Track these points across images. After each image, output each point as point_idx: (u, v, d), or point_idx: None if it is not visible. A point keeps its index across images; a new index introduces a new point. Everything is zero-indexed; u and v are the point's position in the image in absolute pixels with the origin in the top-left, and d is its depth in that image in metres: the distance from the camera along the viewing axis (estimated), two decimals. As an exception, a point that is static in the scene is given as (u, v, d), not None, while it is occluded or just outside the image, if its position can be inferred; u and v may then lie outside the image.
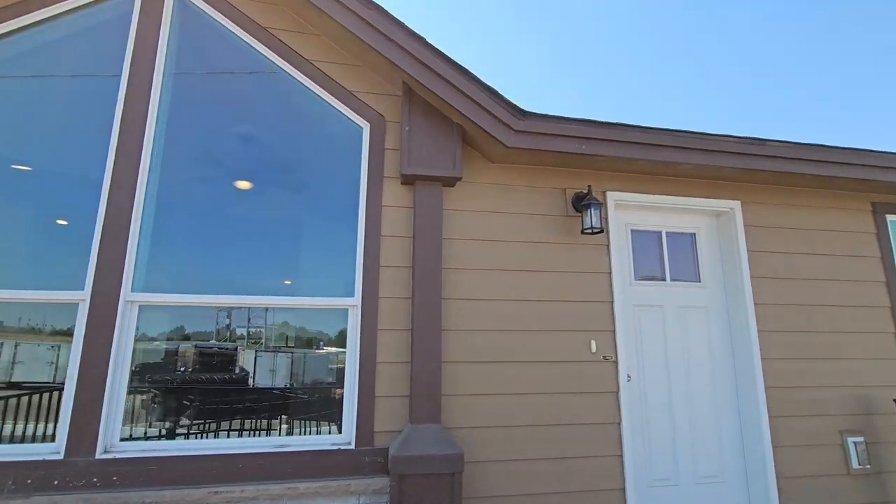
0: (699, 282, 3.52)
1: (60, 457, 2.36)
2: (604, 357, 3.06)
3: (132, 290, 2.61)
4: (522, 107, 2.89)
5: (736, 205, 3.50)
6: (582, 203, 3.08)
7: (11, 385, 2.59)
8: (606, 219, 3.26)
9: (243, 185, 2.94)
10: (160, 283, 2.69)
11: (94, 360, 2.48)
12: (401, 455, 2.52)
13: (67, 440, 2.38)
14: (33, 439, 2.47)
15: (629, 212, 3.47)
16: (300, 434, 2.78)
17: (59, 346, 2.57)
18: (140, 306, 2.63)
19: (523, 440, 2.85)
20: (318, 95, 3.03)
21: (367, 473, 2.61)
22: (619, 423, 2.98)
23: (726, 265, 3.52)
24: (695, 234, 3.60)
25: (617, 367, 3.06)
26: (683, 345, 3.38)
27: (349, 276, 2.87)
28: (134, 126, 2.75)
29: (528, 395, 2.92)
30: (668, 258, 3.51)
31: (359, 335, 2.78)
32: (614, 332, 3.11)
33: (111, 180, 2.67)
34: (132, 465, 2.41)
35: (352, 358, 2.77)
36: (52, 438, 2.42)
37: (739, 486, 3.24)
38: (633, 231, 3.49)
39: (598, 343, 3.07)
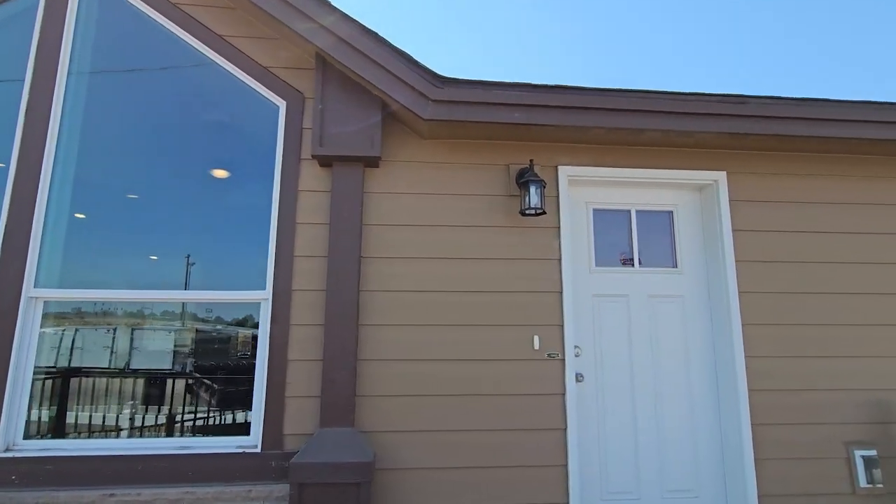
0: (675, 267, 3.05)
1: (-38, 455, 2.35)
2: (548, 355, 2.71)
3: (35, 286, 2.55)
4: (443, 74, 2.54)
5: (720, 176, 2.98)
6: (521, 181, 2.70)
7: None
8: (557, 197, 2.87)
9: (152, 174, 2.80)
10: (66, 279, 2.60)
11: (3, 364, 2.43)
12: (302, 462, 2.32)
13: (-31, 438, 2.36)
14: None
15: (591, 188, 3.04)
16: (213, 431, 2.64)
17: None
18: (44, 302, 2.57)
19: (451, 446, 2.57)
20: (231, 73, 2.81)
21: (272, 479, 2.44)
22: (565, 430, 2.63)
23: (709, 248, 3.02)
24: (672, 211, 3.11)
25: (564, 366, 2.70)
26: (653, 340, 2.94)
27: (263, 267, 2.67)
28: (37, 120, 2.66)
29: (460, 396, 2.62)
30: (637, 241, 3.05)
31: (269, 331, 2.59)
32: (562, 326, 2.73)
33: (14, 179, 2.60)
34: (31, 464, 2.36)
35: (262, 355, 2.58)
36: (-44, 436, 2.40)
37: (718, 501, 2.81)
38: (595, 211, 3.06)
39: (542, 339, 2.71)
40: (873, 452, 2.76)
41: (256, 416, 2.52)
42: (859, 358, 2.85)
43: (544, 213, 2.71)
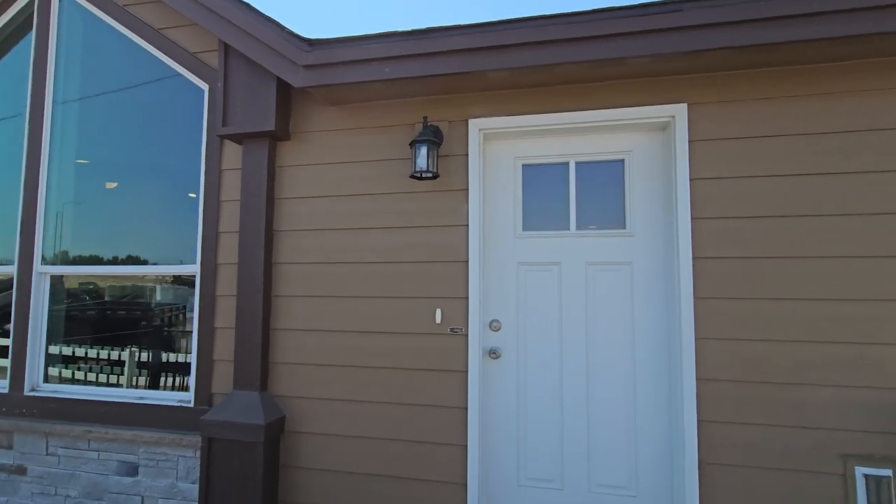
0: (624, 228, 2.52)
1: (6, 391, 3.11)
2: (451, 330, 2.51)
3: (41, 264, 3.17)
4: (312, 36, 2.39)
5: (679, 110, 2.33)
6: (410, 142, 2.46)
7: None
8: (466, 156, 2.56)
9: (83, 161, 3.21)
10: (63, 258, 3.19)
11: (20, 322, 3.13)
12: (208, 419, 2.58)
13: (10, 380, 3.11)
14: (-5, 376, 3.31)
15: (520, 141, 2.64)
16: (164, 386, 3.05)
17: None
18: (49, 276, 3.19)
19: (355, 415, 2.60)
20: (162, 60, 3.03)
21: (200, 430, 2.76)
22: (466, 409, 2.45)
23: (668, 204, 2.43)
24: (623, 160, 2.55)
25: (467, 342, 2.48)
26: (589, 315, 2.52)
27: (194, 243, 2.93)
28: None
29: (364, 368, 2.61)
30: (575, 199, 2.58)
31: (198, 300, 2.86)
32: (467, 299, 2.50)
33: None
34: (45, 402, 3.03)
35: (195, 322, 2.87)
36: (5, 377, 3.18)
37: (661, 501, 2.38)
38: (526, 167, 2.66)
39: (445, 312, 2.52)
40: (887, 472, 2.04)
41: (192, 375, 2.85)
42: (871, 345, 2.08)
43: (436, 176, 2.45)
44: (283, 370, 2.71)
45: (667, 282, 2.43)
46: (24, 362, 3.09)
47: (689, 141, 2.31)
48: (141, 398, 2.91)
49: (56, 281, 3.22)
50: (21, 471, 3.02)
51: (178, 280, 3.16)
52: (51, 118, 3.23)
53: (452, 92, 2.55)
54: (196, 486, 2.73)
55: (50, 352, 3.17)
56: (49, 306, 3.18)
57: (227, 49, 2.75)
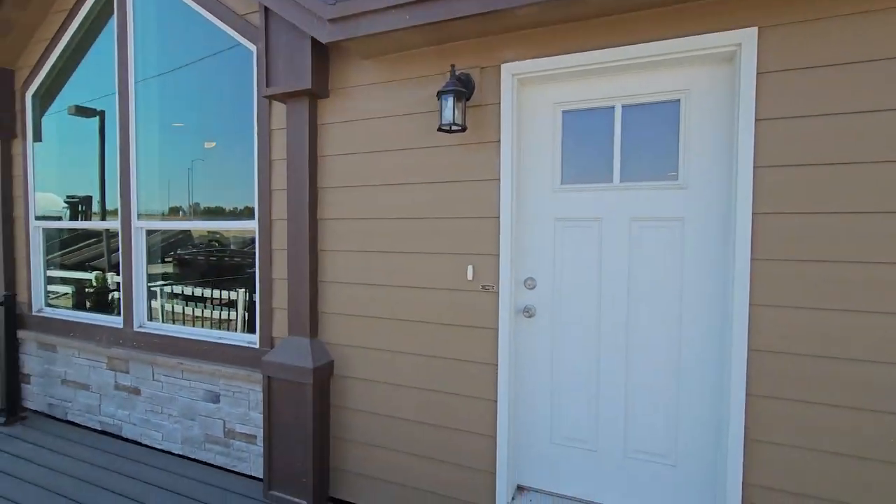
0: (676, 180, 2.24)
1: (121, 327, 3.72)
2: (482, 287, 2.48)
3: (137, 220, 3.64)
4: (336, -15, 2.32)
5: (747, 36, 1.95)
6: (437, 94, 2.35)
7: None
8: (499, 104, 2.40)
9: (167, 129, 3.50)
10: (153, 213, 3.63)
11: (126, 270, 3.66)
12: (267, 360, 2.88)
13: (123, 318, 3.71)
14: (112, 313, 3.93)
15: (556, 85, 2.41)
16: (230, 329, 3.43)
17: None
18: (146, 230, 3.66)
19: (389, 364, 2.73)
20: (218, 26, 3.17)
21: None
22: (496, 366, 2.46)
23: (729, 150, 2.10)
24: (679, 100, 2.22)
25: (498, 300, 2.44)
26: (632, 274, 2.33)
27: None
28: (123, 93, 3.60)
29: (399, 321, 2.70)
30: (620, 147, 2.33)
31: (258, 254, 3.12)
32: (498, 256, 2.43)
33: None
34: (148, 338, 3.58)
35: (257, 273, 3.14)
36: (119, 314, 3.79)
37: (701, 478, 2.23)
38: (567, 113, 2.43)
39: (477, 269, 2.49)
40: None
41: (258, 320, 3.16)
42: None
43: (464, 129, 2.33)
44: (331, 319, 2.90)
45: (722, 240, 2.15)
46: (132, 303, 3.64)
47: (756, 73, 1.94)
48: (220, 338, 3.31)
49: (150, 233, 3.69)
50: (136, 391, 3.65)
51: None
52: (134, 91, 3.59)
53: (481, 35, 2.37)
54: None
55: (151, 291, 3.70)
56: (146, 255, 3.68)
57: (266, 10, 2.79)
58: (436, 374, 2.61)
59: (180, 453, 3.47)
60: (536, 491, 2.55)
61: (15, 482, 3.08)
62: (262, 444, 3.13)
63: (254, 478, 3.17)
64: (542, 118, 2.45)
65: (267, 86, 2.82)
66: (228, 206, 3.35)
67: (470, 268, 2.49)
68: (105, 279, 4.18)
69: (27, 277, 4.25)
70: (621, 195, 2.33)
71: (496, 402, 2.46)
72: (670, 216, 2.24)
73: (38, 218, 4.23)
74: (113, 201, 3.80)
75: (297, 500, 2.82)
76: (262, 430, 3.12)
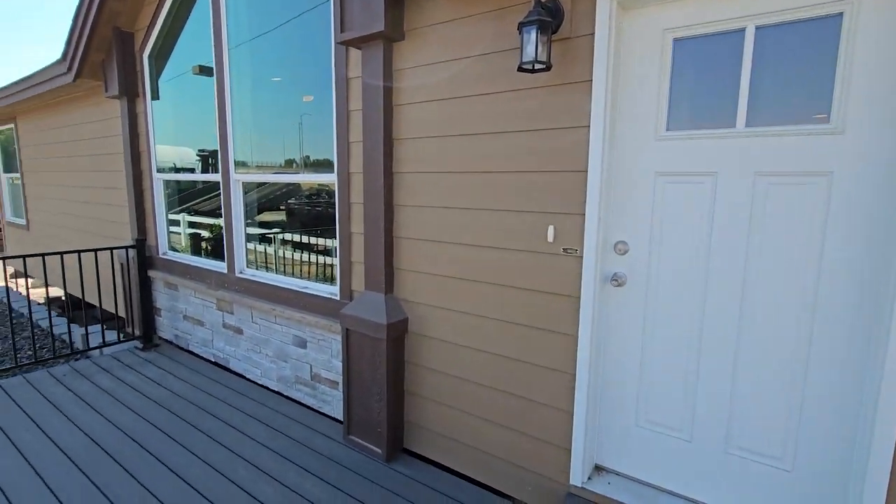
0: (827, 123, 1.72)
1: (225, 272, 4.05)
2: (563, 250, 2.21)
3: (234, 172, 3.84)
4: None
5: None
6: (518, 25, 2.02)
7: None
8: (592, 35, 2.01)
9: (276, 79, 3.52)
10: (244, 165, 3.80)
11: (227, 219, 3.93)
12: (344, 312, 2.92)
13: (227, 264, 4.03)
14: (220, 260, 4.27)
15: (668, 6, 1.95)
16: (320, 280, 3.53)
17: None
18: (241, 182, 3.86)
19: (463, 326, 2.62)
20: (297, -28, 3.07)
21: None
22: (576, 337, 2.22)
23: (915, 77, 1.55)
24: (843, 14, 1.66)
25: (582, 265, 2.17)
26: (752, 243, 1.90)
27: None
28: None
29: (473, 282, 2.55)
30: (749, 81, 1.84)
31: (337, 207, 3.12)
32: (584, 215, 2.13)
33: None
34: (246, 283, 3.86)
35: (337, 227, 3.16)
36: (223, 260, 4.11)
37: (824, 489, 1.85)
38: (679, 41, 1.98)
39: (558, 230, 2.22)
40: None
41: (337, 273, 3.22)
42: None
43: (548, 67, 2.00)
44: (406, 276, 2.84)
45: (888, 203, 1.64)
46: (233, 251, 3.92)
47: (976, -37, 1.35)
48: (305, 288, 3.45)
49: (247, 185, 3.89)
50: (239, 331, 4.00)
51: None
52: (228, 54, 3.68)
53: (577, -52, 1.97)
54: (344, 365, 3.21)
55: (248, 236, 3.96)
56: (244, 205, 3.90)
57: (340, -56, 2.61)
58: (510, 340, 2.45)
59: (276, 390, 3.77)
60: (616, 474, 2.34)
61: (145, 401, 3.59)
62: (343, 391, 3.27)
63: (337, 420, 3.34)
64: (647, 50, 2.02)
65: (342, 31, 2.68)
66: (320, 159, 3.37)
67: (551, 228, 2.23)
68: (221, 227, 4.56)
69: (154, 225, 4.78)
70: (745, 143, 1.87)
71: (574, 375, 2.25)
72: (813, 170, 1.76)
73: (158, 171, 4.68)
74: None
75: (372, 447, 2.92)
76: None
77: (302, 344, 3.49)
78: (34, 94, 5.71)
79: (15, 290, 8.69)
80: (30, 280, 9.23)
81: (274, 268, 3.91)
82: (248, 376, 4.01)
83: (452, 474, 2.78)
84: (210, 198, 4.71)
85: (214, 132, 3.92)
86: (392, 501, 2.52)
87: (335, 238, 3.16)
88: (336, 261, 3.20)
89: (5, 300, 8.05)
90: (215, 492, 2.57)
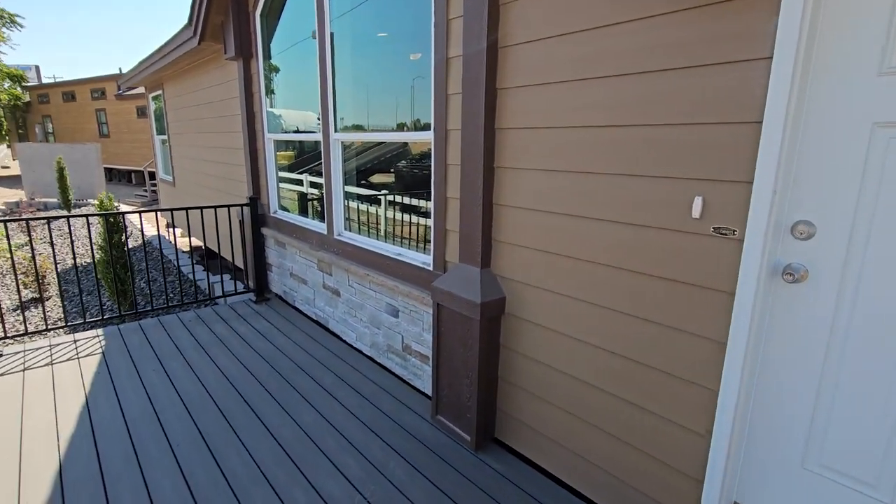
0: None
1: (325, 233, 4.04)
2: (715, 229, 1.66)
3: (335, 132, 3.71)
4: None
5: None
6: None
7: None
8: (793, -82, 1.37)
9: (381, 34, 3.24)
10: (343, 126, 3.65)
11: (327, 180, 3.86)
12: (436, 286, 2.66)
13: (326, 225, 4.00)
14: (321, 220, 4.26)
15: None
16: (415, 247, 3.29)
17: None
18: (341, 143, 3.73)
19: (572, 313, 2.20)
20: None
21: (438, 293, 2.91)
22: (724, 343, 1.69)
23: None
24: None
25: (741, 251, 1.61)
26: None
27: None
28: (319, -1, 3.54)
29: (589, 262, 2.10)
30: None
31: (433, 169, 2.81)
32: (751, 183, 1.55)
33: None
34: (343, 245, 3.80)
35: (433, 191, 2.87)
36: (323, 221, 4.09)
37: None
38: (948, -90, 1.26)
39: (709, 202, 1.67)
40: None
41: (431, 241, 2.95)
42: None
43: (717, -31, 1.41)
44: (506, 250, 2.48)
45: None
46: (332, 212, 3.87)
47: None
48: (399, 255, 3.26)
49: (347, 146, 3.76)
50: (337, 293, 4.00)
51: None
52: (329, 7, 3.49)
53: None
54: (435, 340, 2.99)
55: (347, 197, 3.87)
56: (342, 166, 3.79)
57: None
58: (631, 337, 1.99)
59: (369, 355, 3.72)
60: (763, 519, 1.82)
61: (251, 354, 3.76)
62: (433, 367, 3.07)
63: (426, 396, 3.18)
64: (885, -68, 1.33)
65: (442, -42, 2.28)
66: (422, 118, 3.09)
67: (698, 200, 1.69)
68: (318, 184, 4.57)
69: (266, 184, 4.96)
70: None
71: (718, 392, 1.74)
72: None
73: (269, 131, 4.79)
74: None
75: (461, 432, 2.69)
76: (433, 354, 3.04)
77: (394, 313, 3.34)
78: (168, 61, 6.19)
79: (166, 237, 10.01)
80: (178, 230, 10.56)
81: (373, 231, 3.78)
82: (344, 338, 4.02)
83: (546, 476, 2.45)
84: (311, 155, 4.73)
85: (317, 93, 3.81)
86: (479, 500, 2.27)
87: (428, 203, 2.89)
88: (430, 227, 2.94)
89: (158, 248, 9.26)
90: (303, 458, 2.54)
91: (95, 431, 2.73)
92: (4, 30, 26.37)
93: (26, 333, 3.81)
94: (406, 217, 3.52)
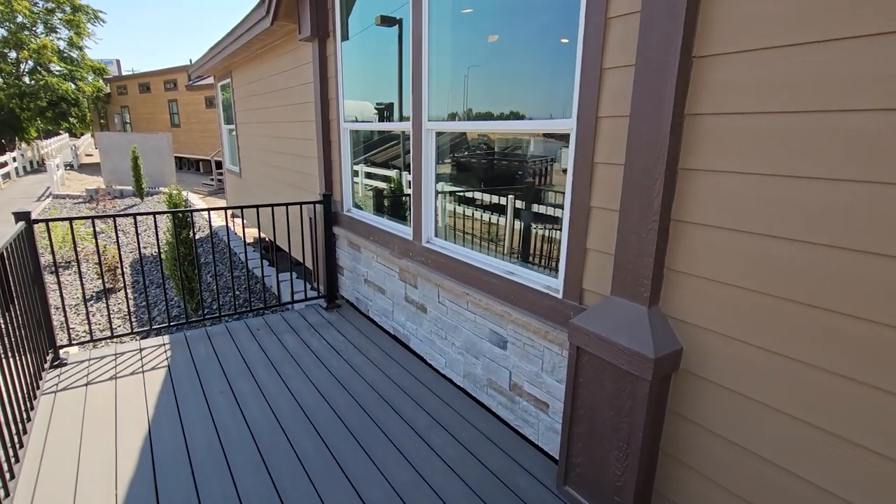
0: None
1: (410, 239, 3.47)
2: None
3: (428, 121, 3.12)
4: None
5: None
6: None
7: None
8: None
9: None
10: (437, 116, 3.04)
11: (416, 175, 3.28)
12: (578, 325, 2.01)
13: (412, 230, 3.43)
14: (405, 222, 3.69)
15: None
16: (532, 262, 2.64)
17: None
18: (435, 133, 3.13)
19: (800, 384, 1.49)
20: None
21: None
22: None
23: None
24: None
25: None
26: None
27: (571, 87, 2.13)
28: None
29: (836, 314, 1.38)
30: None
31: (571, 168, 2.15)
32: None
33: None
34: (433, 255, 3.21)
35: (567, 198, 2.22)
36: (410, 224, 3.52)
37: None
38: None
39: None
40: None
41: (562, 261, 2.30)
42: None
43: None
44: (686, 283, 1.78)
45: None
46: (421, 215, 3.29)
47: None
48: (510, 273, 2.63)
49: (443, 137, 3.17)
50: (423, 309, 3.44)
51: (550, 134, 2.56)
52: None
53: None
54: (562, 387, 2.35)
55: (438, 204, 3.28)
56: (435, 161, 3.20)
57: None
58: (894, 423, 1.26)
59: (461, 386, 3.14)
60: None
61: (326, 376, 3.28)
62: (555, 418, 2.43)
63: (542, 451, 2.55)
64: None
65: None
66: (533, 106, 2.44)
67: None
68: (400, 181, 4.04)
69: (339, 178, 4.47)
70: None
71: None
72: None
73: (346, 120, 4.28)
74: (408, 107, 3.39)
75: (602, 516, 2.05)
76: (559, 403, 2.40)
77: (500, 343, 2.73)
78: (239, 45, 5.84)
79: (232, 228, 9.94)
80: (245, 221, 10.50)
81: (468, 239, 3.18)
82: (429, 361, 3.46)
83: None
84: (385, 148, 4.21)
85: (397, 78, 3.24)
86: None
87: (542, 206, 2.24)
88: (561, 243, 2.29)
89: (224, 240, 9.17)
90: (401, 537, 1.99)
91: (157, 475, 2.31)
92: (89, 25, 28.01)
93: (91, 341, 3.53)
94: (513, 223, 2.89)
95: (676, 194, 1.76)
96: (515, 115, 2.57)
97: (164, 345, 3.68)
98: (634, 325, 1.84)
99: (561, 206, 2.33)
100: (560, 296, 2.31)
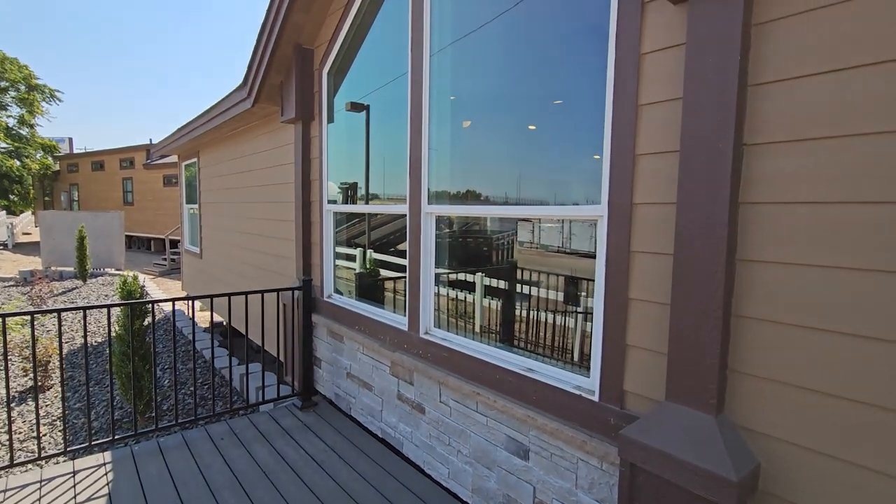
0: None
1: (405, 329, 3.16)
2: None
3: (428, 204, 2.96)
4: None
5: None
6: None
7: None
8: None
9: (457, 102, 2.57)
10: (442, 199, 2.89)
11: (414, 261, 3.05)
12: (632, 438, 1.73)
13: (407, 319, 3.13)
14: (395, 310, 3.40)
15: None
16: (552, 357, 2.39)
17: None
18: (435, 217, 2.96)
19: (939, 521, 1.25)
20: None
21: (610, 439, 1.97)
22: None
23: None
24: None
25: None
26: None
27: (599, 173, 2.03)
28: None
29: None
30: None
31: (603, 257, 1.99)
32: None
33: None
34: (433, 348, 2.90)
35: (598, 286, 2.03)
36: (404, 314, 3.22)
37: None
38: None
39: None
40: None
41: (595, 358, 2.06)
42: None
43: None
44: (757, 388, 1.57)
45: None
46: (418, 304, 3.01)
47: None
48: (529, 370, 2.35)
49: (439, 219, 2.99)
50: (420, 409, 3.05)
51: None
52: (429, 69, 2.87)
53: None
54: (603, 509, 2.01)
55: (439, 292, 3.02)
56: (436, 245, 2.99)
57: None
58: None
59: (469, 503, 2.70)
60: None
61: (305, 494, 2.75)
62: (596, 547, 2.05)
63: (580, 589, 2.13)
64: None
65: (661, -35, 1.59)
66: (557, 191, 2.34)
67: None
68: (374, 263, 3.81)
69: (320, 262, 4.18)
70: None
71: None
72: None
73: (329, 202, 4.08)
74: (376, 187, 3.28)
75: None
76: (599, 529, 2.03)
77: (521, 453, 2.38)
78: (215, 125, 5.68)
79: (186, 312, 9.17)
80: (197, 304, 9.75)
81: (470, 329, 2.91)
82: (427, 471, 3.01)
83: None
84: (350, 225, 4.04)
85: (375, 164, 3.12)
86: None
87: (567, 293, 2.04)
88: (594, 338, 2.06)
89: (180, 328, 8.40)
90: None
91: None
92: (44, 104, 27.57)
93: (10, 466, 2.86)
94: (523, 313, 2.66)
95: (735, 286, 1.60)
96: (529, 201, 2.44)
97: (104, 464, 3.04)
98: (703, 440, 1.59)
99: (582, 292, 2.14)
100: (596, 398, 2.04)
